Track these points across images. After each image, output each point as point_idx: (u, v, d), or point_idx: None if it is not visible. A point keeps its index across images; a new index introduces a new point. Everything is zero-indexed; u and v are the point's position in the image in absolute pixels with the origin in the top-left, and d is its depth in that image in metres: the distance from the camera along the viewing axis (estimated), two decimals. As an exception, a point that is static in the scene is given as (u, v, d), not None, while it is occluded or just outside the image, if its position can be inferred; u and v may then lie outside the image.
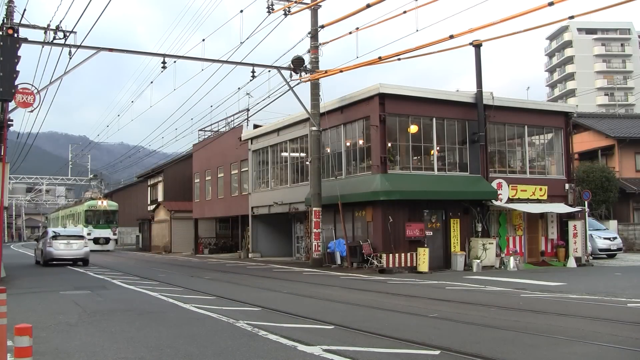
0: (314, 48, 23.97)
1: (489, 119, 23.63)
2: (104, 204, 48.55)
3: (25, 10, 18.73)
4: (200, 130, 42.67)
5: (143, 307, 11.72)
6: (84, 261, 26.95)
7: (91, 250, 42.64)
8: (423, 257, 21.01)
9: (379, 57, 19.41)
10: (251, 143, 33.33)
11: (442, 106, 23.04)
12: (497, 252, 22.79)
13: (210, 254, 39.18)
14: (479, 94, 23.36)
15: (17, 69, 16.04)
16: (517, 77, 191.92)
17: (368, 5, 18.35)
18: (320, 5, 24.32)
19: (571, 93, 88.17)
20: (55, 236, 27.06)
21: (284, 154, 30.33)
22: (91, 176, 65.63)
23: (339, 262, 23.04)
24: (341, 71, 21.56)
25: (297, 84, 24.22)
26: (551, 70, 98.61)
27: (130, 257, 36.12)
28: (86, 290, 15.31)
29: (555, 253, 24.84)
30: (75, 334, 8.76)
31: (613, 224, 31.28)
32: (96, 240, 46.23)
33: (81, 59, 21.14)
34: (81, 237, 28.67)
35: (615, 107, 71.19)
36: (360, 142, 23.57)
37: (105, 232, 47.34)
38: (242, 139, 33.98)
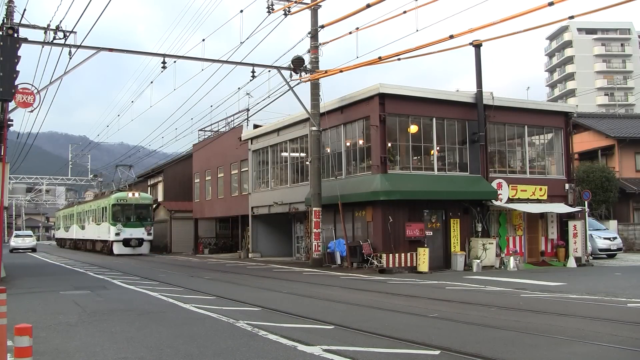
0: (314, 48, 23.96)
1: (489, 119, 23.62)
2: (136, 196, 39.49)
3: (25, 10, 18.71)
4: (200, 130, 42.74)
5: (143, 307, 11.72)
6: (33, 249, 45.89)
7: (120, 255, 37.08)
8: (423, 257, 21.00)
9: (379, 57, 19.40)
10: (251, 143, 33.33)
11: (442, 106, 23.03)
12: (497, 252, 22.78)
13: (210, 254, 39.17)
14: (479, 94, 23.36)
15: (17, 69, 16.03)
16: (517, 77, 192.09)
17: (368, 5, 18.35)
18: (320, 5, 24.31)
19: (571, 93, 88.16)
20: (16, 235, 49.97)
21: (284, 154, 30.32)
22: (93, 176, 65.26)
23: (339, 262, 23.03)
24: (341, 71, 21.56)
25: (297, 84, 24.24)
26: (551, 70, 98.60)
27: (132, 258, 36.06)
28: (86, 290, 15.31)
29: (555, 253, 24.83)
30: (75, 334, 8.77)
31: (613, 224, 31.28)
32: (127, 242, 38.03)
33: (81, 59, 21.14)
34: (31, 235, 50.03)
35: (615, 107, 71.20)
36: (360, 142, 23.57)
37: (138, 232, 38.48)
38: (242, 139, 33.98)
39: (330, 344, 7.71)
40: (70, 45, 19.19)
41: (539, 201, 24.43)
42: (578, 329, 9.01)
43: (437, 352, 7.21)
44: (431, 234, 22.22)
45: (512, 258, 22.23)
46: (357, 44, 20.91)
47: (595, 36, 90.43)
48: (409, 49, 17.95)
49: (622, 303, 12.21)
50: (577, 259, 23.87)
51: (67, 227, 57.40)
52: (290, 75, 23.69)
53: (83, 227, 48.49)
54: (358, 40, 21.04)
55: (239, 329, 8.97)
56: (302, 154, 28.34)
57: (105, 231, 39.84)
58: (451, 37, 16.51)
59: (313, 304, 12.43)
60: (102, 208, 41.00)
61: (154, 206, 49.42)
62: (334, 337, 8.32)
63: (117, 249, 38.02)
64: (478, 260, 21.69)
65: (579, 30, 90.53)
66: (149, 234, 39.08)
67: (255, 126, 33.83)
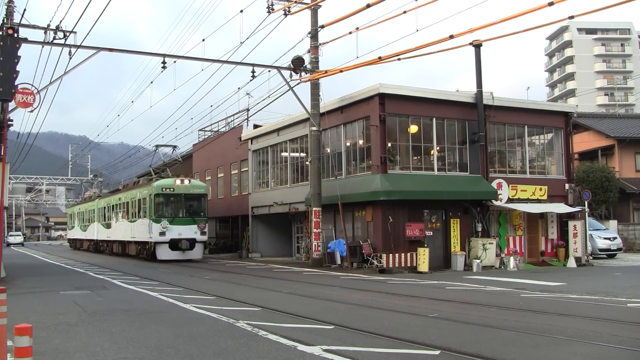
0: (314, 48, 23.96)
1: (489, 119, 23.63)
2: (185, 183, 29.84)
3: (25, 10, 18.72)
4: (200, 130, 42.74)
5: (143, 307, 11.72)
6: (22, 244, 66.13)
7: (166, 260, 28.09)
8: (423, 257, 21.00)
9: (379, 57, 19.40)
10: (251, 143, 33.34)
11: (442, 106, 23.03)
12: (497, 252, 22.78)
13: (210, 254, 39.11)
14: (479, 94, 23.36)
15: (17, 69, 16.03)
16: (517, 77, 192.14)
17: (368, 5, 18.35)
18: (320, 5, 24.31)
19: (571, 93, 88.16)
20: (10, 235, 67.50)
21: (284, 154, 30.33)
22: (93, 176, 65.16)
23: (339, 262, 23.03)
24: (341, 71, 21.56)
25: (297, 84, 24.24)
26: (551, 70, 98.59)
27: (130, 257, 36.00)
28: (86, 290, 15.31)
29: (555, 253, 24.84)
30: (75, 334, 8.77)
31: (613, 224, 31.28)
32: (174, 244, 28.55)
33: (81, 58, 21.15)
34: (20, 235, 73.17)
35: (615, 107, 71.20)
36: (360, 142, 23.57)
37: (189, 231, 29.14)
38: (242, 139, 33.99)
39: (330, 344, 7.71)
40: (70, 45, 19.19)
41: (539, 201, 24.43)
42: (578, 329, 9.01)
43: (437, 352, 7.21)
44: (431, 234, 22.22)
45: (512, 258, 22.24)
46: (357, 44, 20.93)
47: (595, 36, 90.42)
48: (409, 49, 17.97)
49: (622, 303, 12.22)
50: (577, 259, 23.87)
51: (84, 226, 47.18)
52: (290, 75, 23.70)
53: (109, 226, 38.79)
54: (358, 40, 21.06)
55: (239, 329, 8.97)
56: (302, 154, 28.34)
57: (144, 230, 30.28)
58: (451, 37, 16.52)
59: (313, 304, 12.43)
60: (139, 200, 31.60)
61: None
62: (334, 337, 8.32)
63: (162, 252, 28.63)
64: (478, 260, 21.69)
65: (579, 30, 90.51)
66: (202, 232, 29.88)
67: (255, 126, 33.84)
